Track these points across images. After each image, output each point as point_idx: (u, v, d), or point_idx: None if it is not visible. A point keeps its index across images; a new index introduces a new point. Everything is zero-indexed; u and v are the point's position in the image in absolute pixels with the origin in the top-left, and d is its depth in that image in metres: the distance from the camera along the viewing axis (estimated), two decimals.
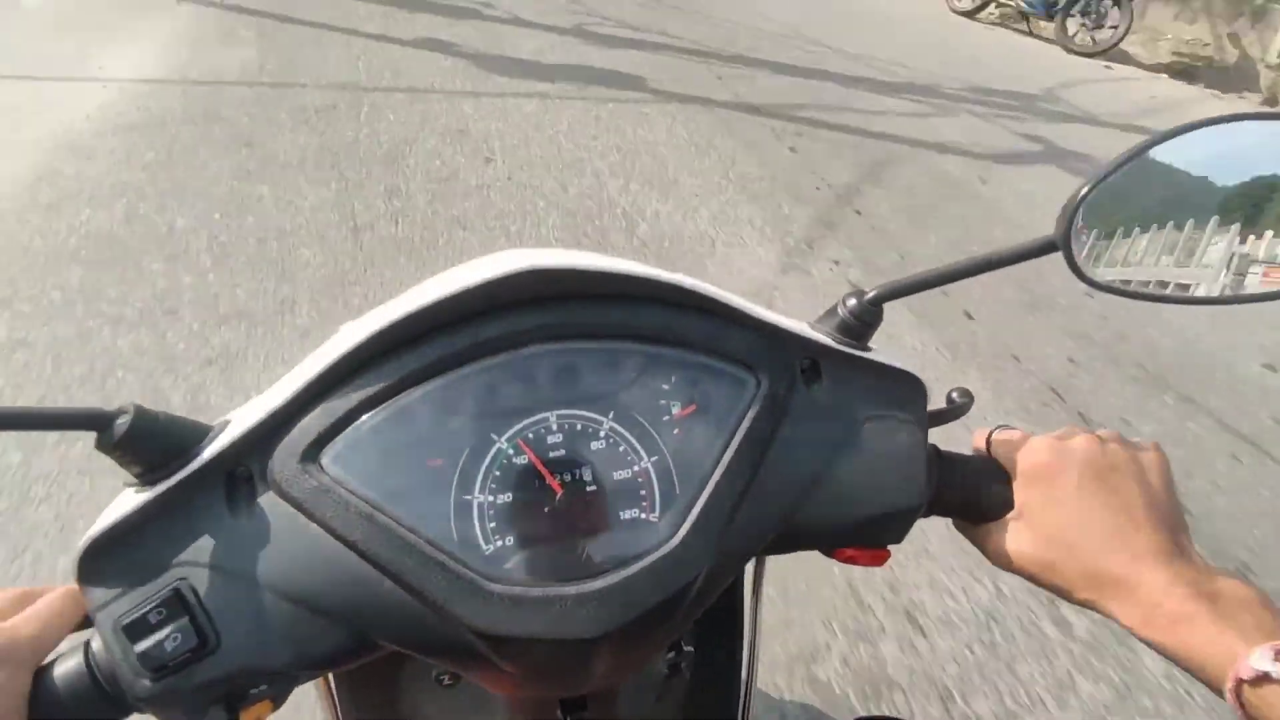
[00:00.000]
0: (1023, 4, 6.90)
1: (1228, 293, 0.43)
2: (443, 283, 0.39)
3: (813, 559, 0.48)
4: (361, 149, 3.46)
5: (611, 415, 0.41)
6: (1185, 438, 2.24)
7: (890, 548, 0.49)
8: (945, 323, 2.64)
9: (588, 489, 0.40)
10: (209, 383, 2.09)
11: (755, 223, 3.17)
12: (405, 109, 3.90)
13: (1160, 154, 0.41)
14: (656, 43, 5.39)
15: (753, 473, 0.42)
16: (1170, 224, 0.43)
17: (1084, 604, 0.44)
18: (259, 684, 0.38)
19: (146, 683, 0.35)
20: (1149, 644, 0.41)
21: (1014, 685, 1.52)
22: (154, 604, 0.36)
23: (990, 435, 0.50)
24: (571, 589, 0.38)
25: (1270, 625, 0.38)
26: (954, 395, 0.52)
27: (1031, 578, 0.46)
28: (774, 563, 0.64)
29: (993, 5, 7.33)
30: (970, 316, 2.70)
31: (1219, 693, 0.37)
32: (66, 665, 0.37)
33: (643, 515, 0.40)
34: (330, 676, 0.62)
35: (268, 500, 0.38)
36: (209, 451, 0.38)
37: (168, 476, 0.37)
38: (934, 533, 1.80)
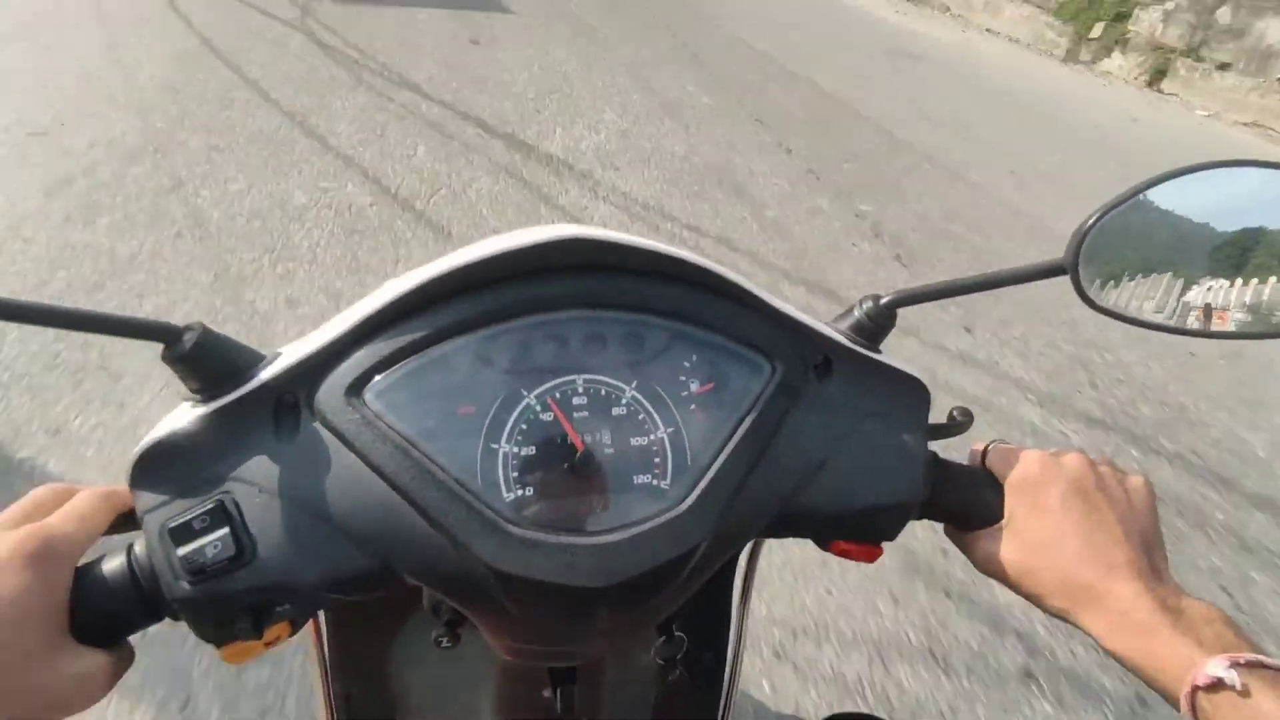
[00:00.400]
0: None
1: (1213, 328, 0.46)
2: (492, 244, 0.42)
3: None
4: None
5: (634, 385, 0.44)
6: None
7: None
8: None
9: (606, 451, 0.43)
10: None
11: None
12: None
13: (1166, 191, 0.44)
14: None
15: (760, 453, 0.44)
16: (1169, 258, 0.46)
17: (1057, 612, 0.46)
18: (284, 602, 0.40)
19: (185, 585, 0.38)
20: (1113, 654, 0.43)
21: None
22: (199, 512, 0.38)
23: (987, 447, 0.53)
24: (582, 540, 0.40)
25: (1230, 640, 0.40)
26: (955, 413, 0.55)
27: (1011, 584, 0.49)
28: None
29: None
30: None
31: (1174, 702, 0.39)
32: (110, 564, 0.40)
33: (654, 481, 0.43)
34: (324, 637, 0.64)
35: (311, 428, 0.41)
36: (262, 376, 0.41)
37: (223, 395, 0.40)
38: None
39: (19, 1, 4.49)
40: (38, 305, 0.34)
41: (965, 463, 0.54)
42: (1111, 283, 0.46)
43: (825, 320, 0.51)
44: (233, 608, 0.39)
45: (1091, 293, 0.46)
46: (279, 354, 0.42)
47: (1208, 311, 0.46)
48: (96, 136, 3.11)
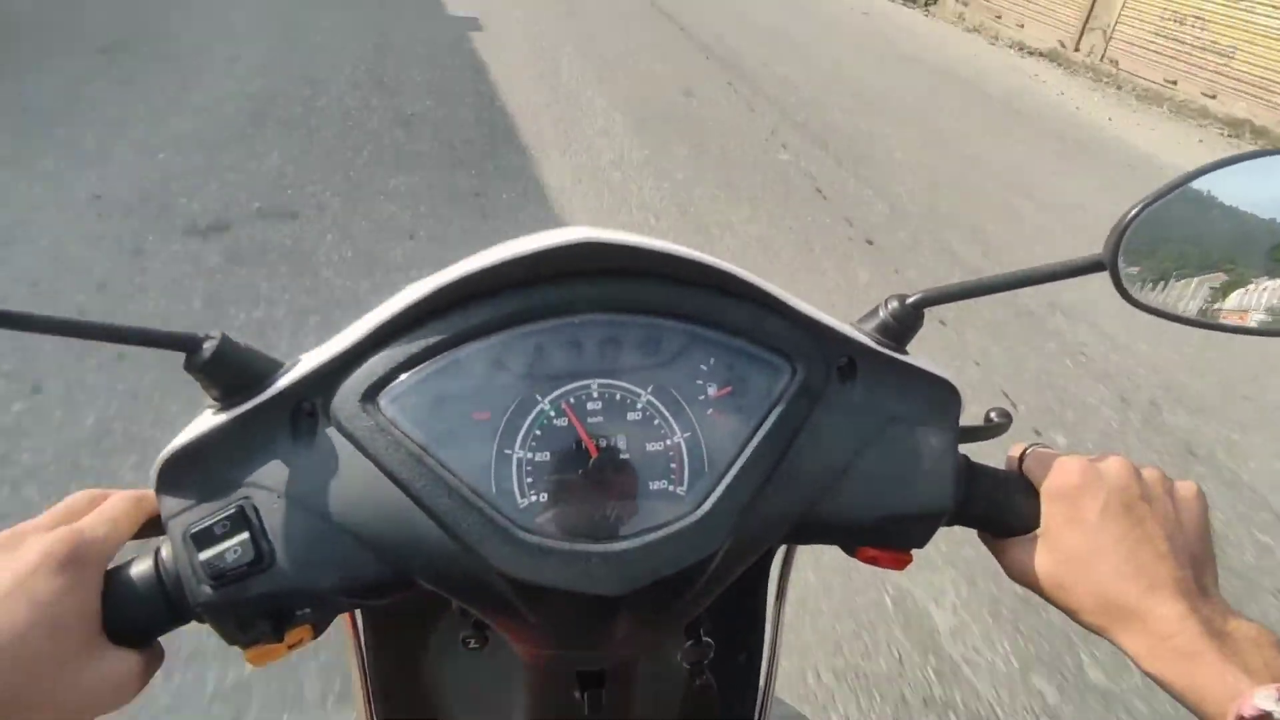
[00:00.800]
0: None
1: (1266, 326, 0.44)
2: (506, 248, 0.42)
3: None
4: None
5: (650, 389, 0.43)
6: None
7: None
8: None
9: (621, 456, 0.42)
10: None
11: None
12: None
13: (1209, 183, 0.42)
14: None
15: (779, 458, 0.43)
16: (1216, 252, 0.43)
17: (1093, 628, 0.44)
18: (304, 606, 0.40)
19: (207, 589, 0.38)
20: (1153, 677, 0.41)
21: None
22: (219, 517, 0.39)
23: (1025, 451, 0.51)
24: (597, 547, 0.40)
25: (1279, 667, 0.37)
26: (992, 415, 0.53)
27: (1044, 595, 0.47)
28: None
29: None
30: None
31: None
32: (138, 568, 0.41)
33: (670, 487, 0.42)
34: (360, 634, 0.65)
35: (328, 435, 0.41)
36: (280, 384, 0.41)
37: (242, 402, 0.41)
38: None
39: None
40: (58, 318, 0.35)
41: (1001, 467, 0.52)
42: (1154, 278, 0.44)
43: (849, 321, 0.50)
44: (253, 611, 0.39)
45: (1132, 289, 0.43)
46: (298, 361, 0.43)
47: (1260, 309, 0.43)
48: None
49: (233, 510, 0.39)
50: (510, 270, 0.42)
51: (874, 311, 0.49)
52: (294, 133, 4.04)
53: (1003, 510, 0.49)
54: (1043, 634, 1.87)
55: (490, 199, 3.59)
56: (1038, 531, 0.48)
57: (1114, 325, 3.14)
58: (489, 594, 0.40)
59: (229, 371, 0.40)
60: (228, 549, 0.38)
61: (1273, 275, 0.43)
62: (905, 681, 1.74)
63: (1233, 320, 0.44)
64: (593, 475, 0.41)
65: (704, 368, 0.44)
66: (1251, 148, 0.61)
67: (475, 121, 4.43)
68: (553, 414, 0.42)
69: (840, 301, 3.06)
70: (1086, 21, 7.63)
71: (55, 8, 5.36)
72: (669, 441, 0.43)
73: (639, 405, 0.43)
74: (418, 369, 0.42)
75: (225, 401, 0.41)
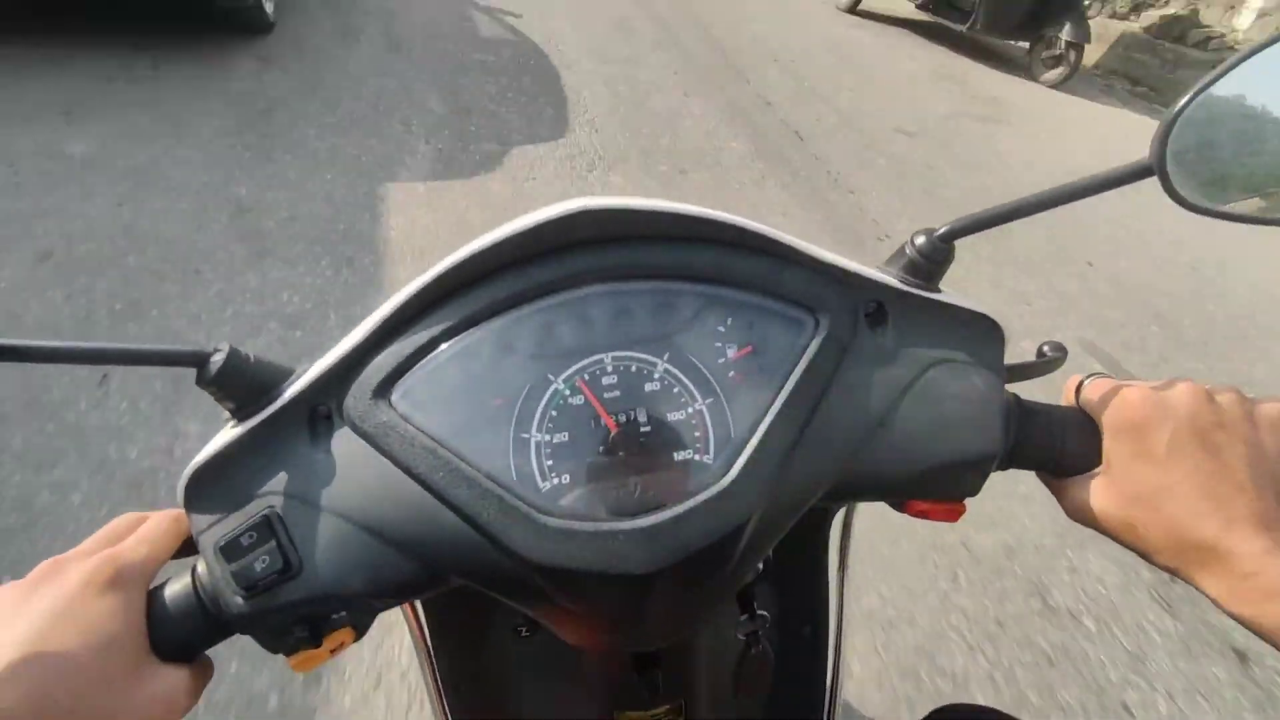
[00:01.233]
0: None
1: None
2: (504, 228, 0.41)
3: None
4: None
5: (666, 357, 0.41)
6: None
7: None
8: None
9: (642, 429, 0.40)
10: None
11: None
12: None
13: (1259, 68, 0.37)
14: None
15: (809, 416, 0.41)
16: (1268, 144, 0.39)
17: (1167, 570, 0.41)
18: (339, 609, 0.40)
19: (240, 600, 0.39)
20: (1237, 619, 0.38)
21: None
22: (246, 528, 0.39)
23: (1082, 382, 0.47)
24: (623, 525, 0.38)
25: None
26: (1045, 349, 0.49)
27: (1113, 536, 0.43)
28: None
29: None
30: None
31: None
32: (175, 586, 0.41)
33: (696, 456, 0.40)
34: (424, 626, 0.66)
35: (344, 435, 0.41)
36: (292, 390, 0.41)
37: (257, 412, 0.40)
38: None
39: None
40: (61, 346, 0.35)
41: (1059, 402, 0.48)
42: (1206, 177, 0.39)
43: (874, 264, 0.47)
44: (289, 619, 0.39)
45: (1184, 191, 0.39)
46: (309, 366, 0.42)
47: None
48: None
49: (258, 519, 0.39)
50: (508, 249, 0.41)
51: (900, 251, 0.46)
52: None
53: (1061, 449, 0.46)
54: None
55: None
56: (1100, 469, 0.44)
57: None
58: (518, 583, 0.39)
59: (240, 383, 0.40)
60: (256, 558, 0.38)
61: None
62: None
63: None
64: (614, 451, 0.40)
65: (721, 329, 0.42)
66: None
67: None
68: (568, 393, 0.41)
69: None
70: None
71: None
72: (691, 409, 0.41)
73: (656, 375, 0.41)
74: (426, 360, 0.41)
75: (241, 413, 0.41)
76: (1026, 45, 6.18)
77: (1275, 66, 0.38)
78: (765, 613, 0.60)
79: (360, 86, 3.78)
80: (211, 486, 0.40)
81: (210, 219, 2.60)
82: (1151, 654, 1.65)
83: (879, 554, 1.77)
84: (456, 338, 0.41)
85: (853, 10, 7.25)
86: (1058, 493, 0.47)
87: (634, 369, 0.41)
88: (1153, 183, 0.39)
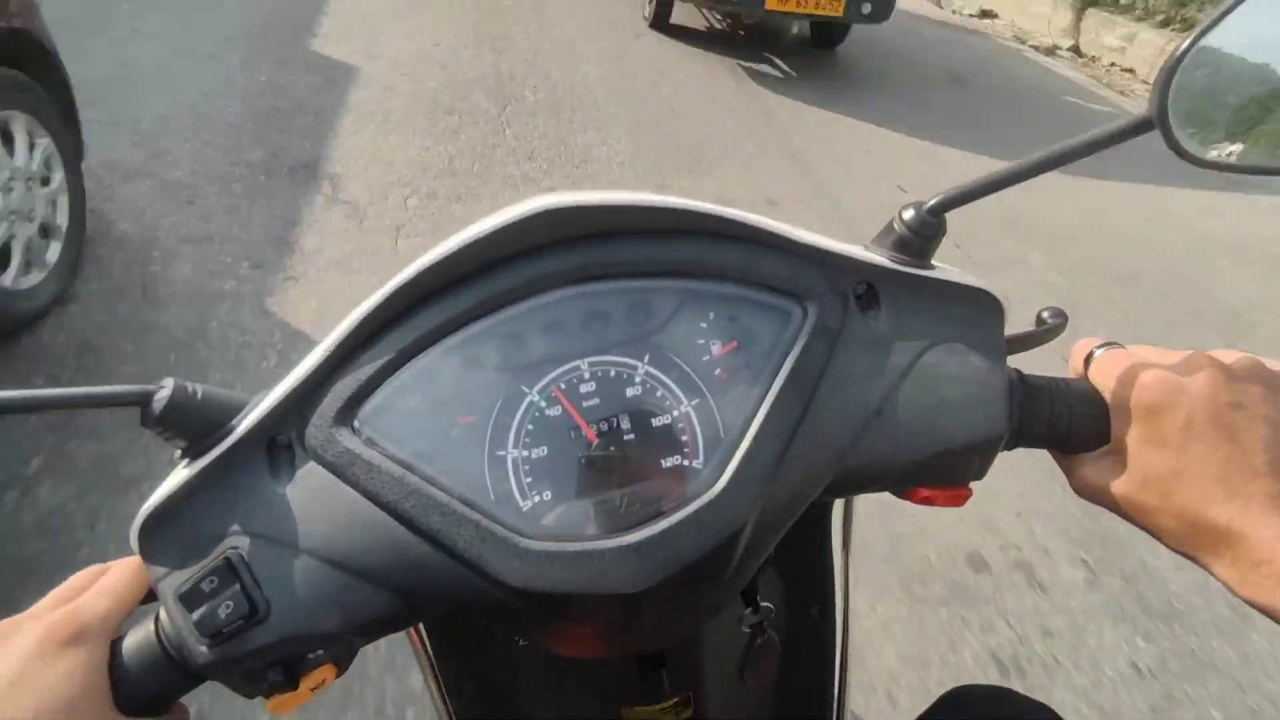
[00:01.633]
0: None
1: None
2: (462, 234, 0.38)
3: None
4: None
5: (647, 359, 0.39)
6: None
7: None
8: None
9: (625, 438, 0.38)
10: None
11: None
12: None
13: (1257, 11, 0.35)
14: None
15: (801, 411, 0.38)
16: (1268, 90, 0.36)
17: (1180, 553, 0.39)
18: (314, 649, 0.38)
19: (205, 649, 0.36)
20: (1252, 604, 0.36)
21: None
22: (206, 573, 0.36)
23: (1091, 354, 0.45)
24: (611, 542, 0.36)
25: None
26: (1045, 315, 0.47)
27: (1122, 515, 0.41)
28: None
29: None
30: None
31: None
32: (138, 637, 0.38)
33: (685, 462, 0.38)
34: (426, 643, 0.63)
35: (307, 467, 0.38)
36: (247, 422, 0.38)
37: (210, 448, 0.38)
38: None
39: None
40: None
41: (1063, 375, 0.46)
42: (1208, 129, 0.37)
43: (862, 244, 0.44)
44: (261, 663, 0.37)
45: (1186, 143, 0.37)
46: (263, 396, 0.40)
47: None
48: None
49: (219, 563, 0.36)
50: (467, 258, 0.38)
51: (888, 227, 0.43)
52: None
53: (1069, 426, 0.43)
54: None
55: None
56: (1109, 446, 0.42)
57: None
58: (501, 609, 0.37)
59: (189, 420, 0.37)
60: (219, 604, 0.36)
61: None
62: None
63: None
64: (596, 463, 0.37)
65: (703, 325, 0.40)
66: None
67: None
68: (544, 404, 0.38)
69: None
70: None
71: None
72: (676, 412, 0.38)
73: (637, 379, 0.39)
74: (388, 382, 0.38)
75: (193, 451, 0.38)
76: None
77: (1270, 10, 0.36)
78: (769, 604, 0.58)
79: None
80: (168, 531, 0.38)
81: None
82: None
83: None
84: (419, 356, 0.38)
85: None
86: (1066, 469, 0.45)
87: (613, 374, 0.39)
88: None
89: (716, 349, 0.39)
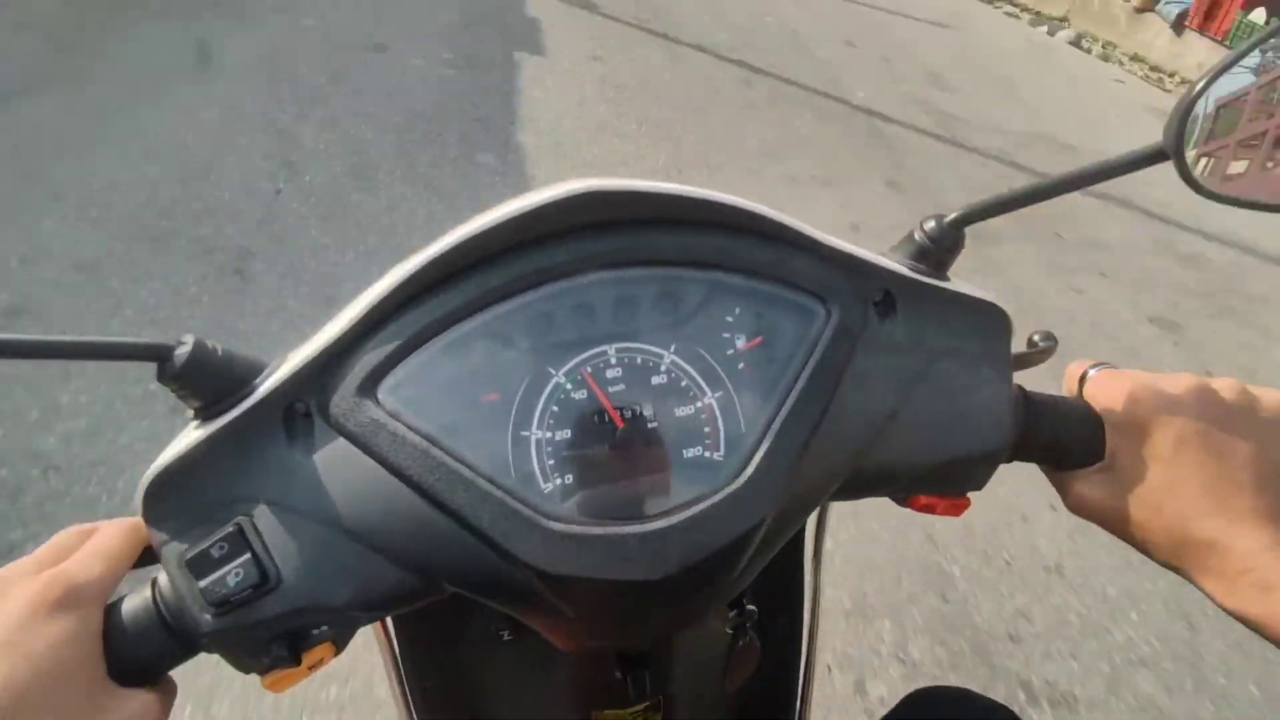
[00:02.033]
0: None
1: None
2: (502, 209, 0.38)
3: None
4: None
5: (673, 349, 0.39)
6: None
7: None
8: None
9: (649, 426, 0.38)
10: None
11: None
12: None
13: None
14: None
15: (823, 409, 0.39)
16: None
17: (1168, 566, 0.41)
18: (320, 624, 0.37)
19: (209, 618, 0.35)
20: (1237, 616, 0.38)
21: None
22: (216, 539, 0.35)
23: (1085, 374, 0.46)
24: (633, 529, 0.36)
25: None
26: (1035, 338, 0.48)
27: (1113, 531, 0.43)
28: None
29: None
30: None
31: None
32: (134, 602, 0.37)
33: (706, 454, 0.38)
34: (391, 631, 0.62)
35: (325, 436, 0.37)
36: (266, 386, 0.37)
37: (227, 410, 0.37)
38: None
39: None
40: (10, 339, 0.31)
41: (1058, 392, 0.48)
42: (1221, 163, 0.39)
43: (881, 251, 0.45)
44: (264, 636, 0.36)
45: (1200, 177, 0.39)
46: (284, 359, 0.39)
47: None
48: None
49: (230, 529, 0.35)
50: (505, 233, 0.38)
51: (909, 237, 0.45)
52: None
53: (1065, 442, 0.45)
54: None
55: None
56: (1102, 464, 0.44)
57: None
58: (519, 590, 0.37)
59: (208, 378, 0.36)
60: (228, 573, 0.35)
61: None
62: None
63: None
64: (621, 449, 0.38)
65: (730, 319, 0.40)
66: None
67: None
68: (570, 387, 0.38)
69: None
70: None
71: None
72: (700, 404, 0.39)
73: (663, 368, 0.39)
74: (416, 354, 0.38)
75: (208, 411, 0.37)
76: None
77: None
78: (753, 607, 0.58)
79: None
80: (175, 493, 0.37)
81: None
82: None
83: None
84: (449, 329, 0.38)
85: None
86: (1059, 485, 0.46)
87: (639, 361, 0.39)
88: None
89: (741, 343, 0.40)
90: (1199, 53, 6.77)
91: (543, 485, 0.37)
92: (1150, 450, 0.41)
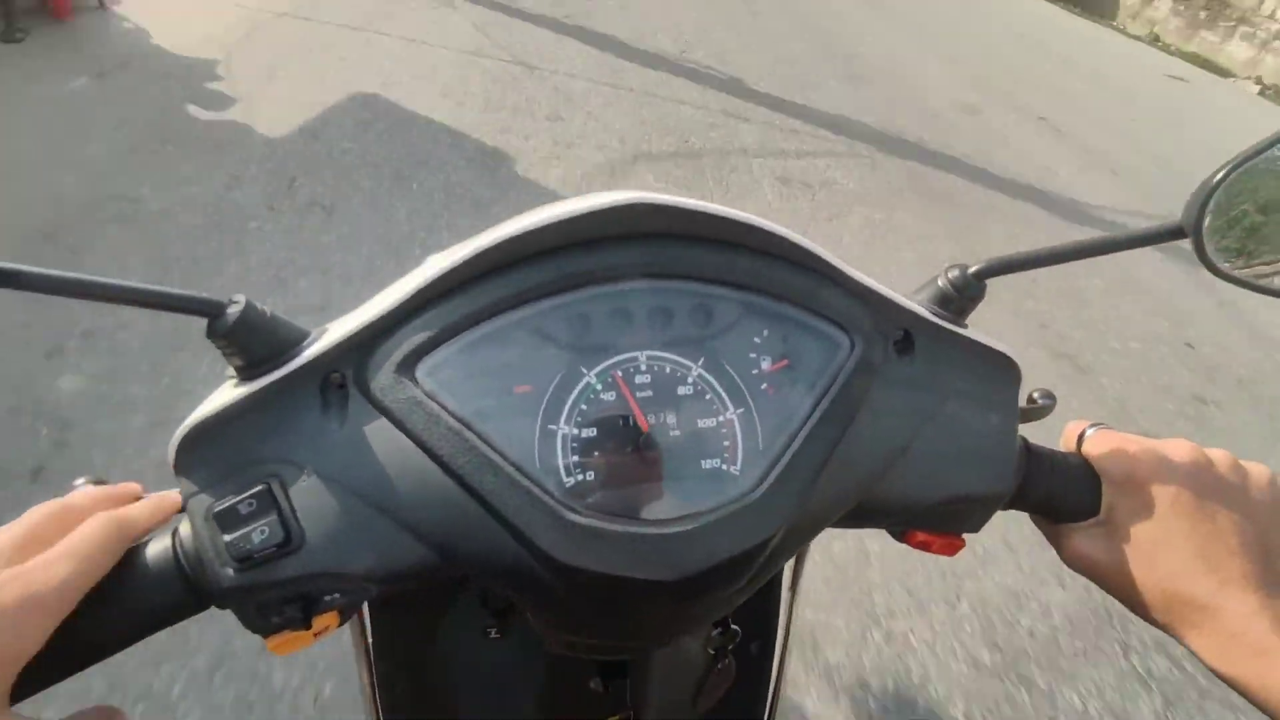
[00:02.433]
0: None
1: None
2: (549, 211, 0.39)
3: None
4: None
5: (701, 362, 0.41)
6: None
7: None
8: None
9: (671, 433, 0.39)
10: None
11: None
12: None
13: None
14: None
15: (840, 435, 0.41)
16: None
17: (1157, 625, 0.42)
18: (334, 591, 0.38)
19: (230, 572, 0.36)
20: (1222, 677, 0.39)
21: None
22: (245, 496, 0.36)
23: (1083, 433, 0.48)
24: (650, 530, 0.37)
25: None
26: (1035, 395, 0.50)
27: (1105, 587, 0.45)
28: None
29: None
30: None
31: None
32: (154, 548, 0.38)
33: (724, 466, 0.39)
34: (367, 624, 0.62)
35: (360, 408, 0.38)
36: (308, 353, 0.38)
37: (267, 373, 0.38)
38: None
39: None
40: (70, 277, 0.32)
41: (1057, 447, 0.50)
42: (1239, 246, 0.41)
43: (905, 292, 0.47)
44: (280, 596, 0.37)
45: (1215, 257, 0.41)
46: (325, 330, 0.40)
47: None
48: None
49: (260, 488, 0.36)
50: (552, 234, 0.39)
51: (932, 281, 0.47)
52: None
53: (1062, 495, 0.47)
54: None
55: None
56: (1098, 519, 0.45)
57: None
58: (532, 579, 0.38)
59: (254, 339, 0.37)
60: (254, 529, 0.35)
61: None
62: None
63: None
64: (643, 452, 0.39)
65: (757, 340, 0.42)
66: None
67: None
68: (600, 387, 0.39)
69: None
70: None
71: None
72: (721, 418, 0.40)
73: (690, 379, 0.40)
74: (457, 339, 0.39)
75: (249, 372, 0.38)
76: None
77: None
78: (737, 627, 0.59)
79: None
80: (208, 447, 0.37)
81: None
82: None
83: None
84: (490, 319, 0.39)
85: None
86: (1054, 538, 0.48)
87: (668, 370, 0.40)
88: None
89: (767, 364, 0.41)
90: None
91: (565, 479, 0.38)
92: (1146, 509, 0.43)
